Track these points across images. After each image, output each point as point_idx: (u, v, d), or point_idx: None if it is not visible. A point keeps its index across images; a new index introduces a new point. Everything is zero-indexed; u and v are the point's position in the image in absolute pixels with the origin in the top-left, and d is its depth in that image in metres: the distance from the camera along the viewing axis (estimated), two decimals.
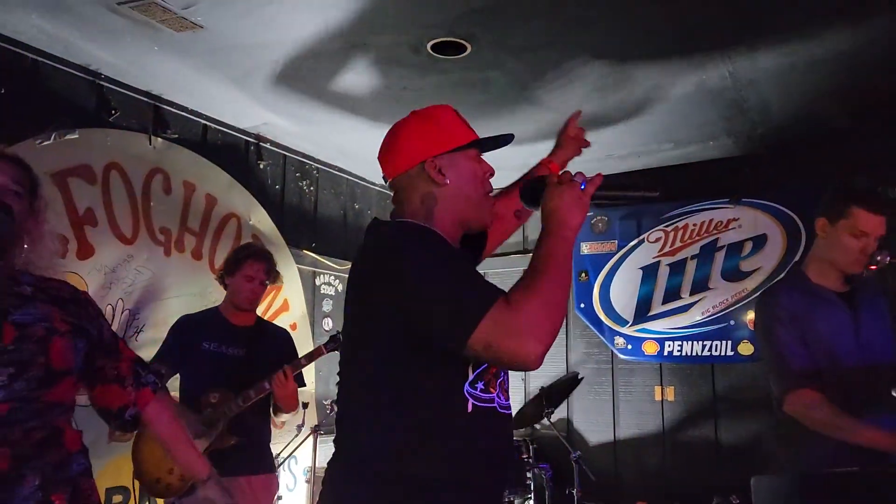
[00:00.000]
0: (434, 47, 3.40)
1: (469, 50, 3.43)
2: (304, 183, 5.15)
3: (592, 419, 5.48)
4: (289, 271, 4.88)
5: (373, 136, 4.65)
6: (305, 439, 4.12)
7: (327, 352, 3.18)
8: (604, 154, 5.07)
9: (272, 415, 3.24)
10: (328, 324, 5.24)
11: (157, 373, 1.78)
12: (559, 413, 5.53)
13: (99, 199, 3.69)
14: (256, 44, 3.40)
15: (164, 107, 4.09)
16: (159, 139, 4.04)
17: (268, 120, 4.45)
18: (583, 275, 5.53)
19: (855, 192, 2.42)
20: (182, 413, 2.91)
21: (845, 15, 3.13)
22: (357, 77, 3.76)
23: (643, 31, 3.27)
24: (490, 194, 1.63)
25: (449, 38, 3.32)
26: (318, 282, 5.17)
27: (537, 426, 4.39)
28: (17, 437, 1.45)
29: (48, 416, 1.53)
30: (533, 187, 1.55)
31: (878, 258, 2.31)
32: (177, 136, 4.13)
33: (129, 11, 3.07)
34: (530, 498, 4.07)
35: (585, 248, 5.55)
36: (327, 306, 5.25)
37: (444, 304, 1.33)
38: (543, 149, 4.95)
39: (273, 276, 3.28)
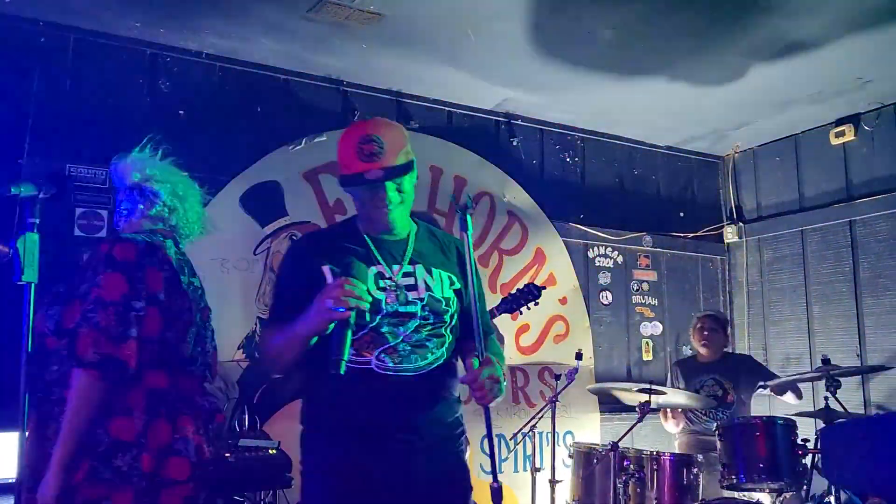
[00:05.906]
0: None
1: None
2: (567, 154, 5.02)
3: None
4: (553, 245, 4.81)
5: (624, 93, 4.37)
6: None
7: (499, 314, 3.10)
8: None
9: None
10: (607, 297, 4.99)
11: None
12: None
13: None
14: (439, 17, 3.49)
15: (406, 101, 4.43)
16: None
17: (507, 96, 4.49)
18: None
19: None
20: None
21: None
22: (562, 29, 3.59)
23: None
24: (381, 209, 1.90)
25: None
26: (591, 254, 4.97)
27: (833, 406, 3.50)
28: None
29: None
30: None
31: None
32: (418, 125, 4.43)
33: (314, 16, 3.44)
34: (804, 486, 3.30)
35: None
36: (604, 279, 5.01)
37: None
38: (780, 69, 3.93)
39: None
